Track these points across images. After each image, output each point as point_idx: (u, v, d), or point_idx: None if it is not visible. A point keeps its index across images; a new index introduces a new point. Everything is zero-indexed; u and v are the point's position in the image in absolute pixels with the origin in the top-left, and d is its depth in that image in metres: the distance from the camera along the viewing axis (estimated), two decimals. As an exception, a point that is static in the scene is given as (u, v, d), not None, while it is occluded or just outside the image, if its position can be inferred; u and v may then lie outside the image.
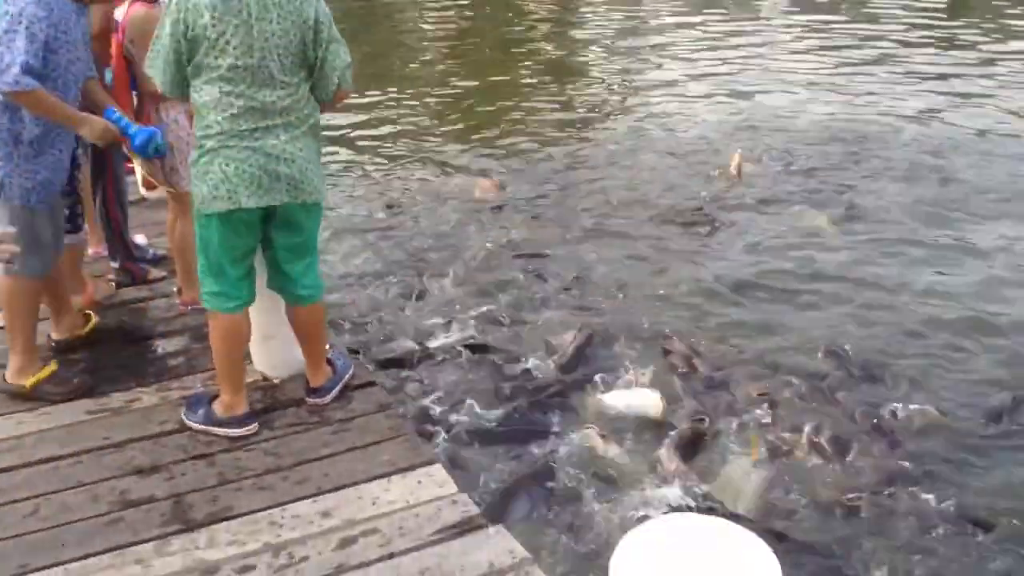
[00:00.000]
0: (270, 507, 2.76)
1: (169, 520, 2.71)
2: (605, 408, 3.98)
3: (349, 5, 15.90)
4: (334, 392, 3.28)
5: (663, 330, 4.65)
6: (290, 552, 2.57)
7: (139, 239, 4.42)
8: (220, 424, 3.10)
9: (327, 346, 3.40)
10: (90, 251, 4.25)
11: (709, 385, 4.20)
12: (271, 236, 3.00)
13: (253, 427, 3.11)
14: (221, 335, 3.06)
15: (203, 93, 2.77)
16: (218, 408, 3.12)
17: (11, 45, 2.87)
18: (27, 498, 2.81)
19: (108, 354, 3.62)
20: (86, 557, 2.57)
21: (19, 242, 3.08)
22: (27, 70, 2.88)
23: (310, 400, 3.26)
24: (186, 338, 3.75)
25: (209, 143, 2.80)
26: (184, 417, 3.17)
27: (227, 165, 2.79)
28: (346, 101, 3.25)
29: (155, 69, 2.82)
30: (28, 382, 3.27)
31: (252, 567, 2.53)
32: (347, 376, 3.36)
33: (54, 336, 3.60)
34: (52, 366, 3.34)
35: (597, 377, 4.21)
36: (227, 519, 2.71)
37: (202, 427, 3.11)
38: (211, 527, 2.68)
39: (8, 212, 3.11)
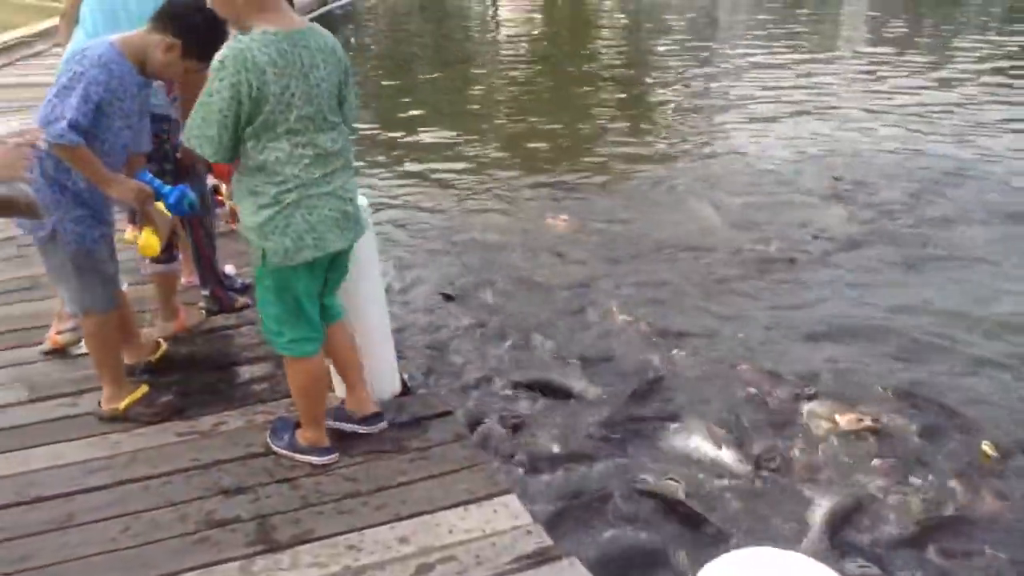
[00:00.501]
0: (350, 531, 2.82)
1: (254, 540, 2.80)
2: (678, 447, 3.98)
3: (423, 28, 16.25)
4: (384, 424, 3.36)
5: (738, 365, 4.64)
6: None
7: (228, 269, 4.58)
8: (304, 452, 3.19)
9: None
10: (183, 280, 4.42)
11: (784, 421, 4.17)
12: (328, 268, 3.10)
13: (335, 457, 3.19)
14: (306, 379, 3.11)
15: (272, 151, 2.75)
16: (301, 439, 3.21)
17: (65, 100, 3.01)
18: (119, 516, 2.92)
19: (197, 379, 3.76)
20: (173, 574, 2.66)
21: (86, 281, 3.25)
22: (74, 126, 2.99)
23: (362, 430, 3.33)
24: (270, 364, 3.86)
25: (289, 197, 2.79)
26: (269, 441, 3.27)
27: (310, 215, 2.82)
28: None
29: (204, 137, 2.73)
30: (121, 405, 3.42)
31: (332, 589, 2.59)
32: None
33: (126, 361, 3.71)
34: (143, 388, 3.49)
35: (670, 415, 4.21)
36: (309, 541, 2.78)
37: (287, 453, 3.21)
38: (294, 549, 2.75)
39: (68, 257, 3.24)
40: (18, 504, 2.99)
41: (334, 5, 19.54)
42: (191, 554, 2.75)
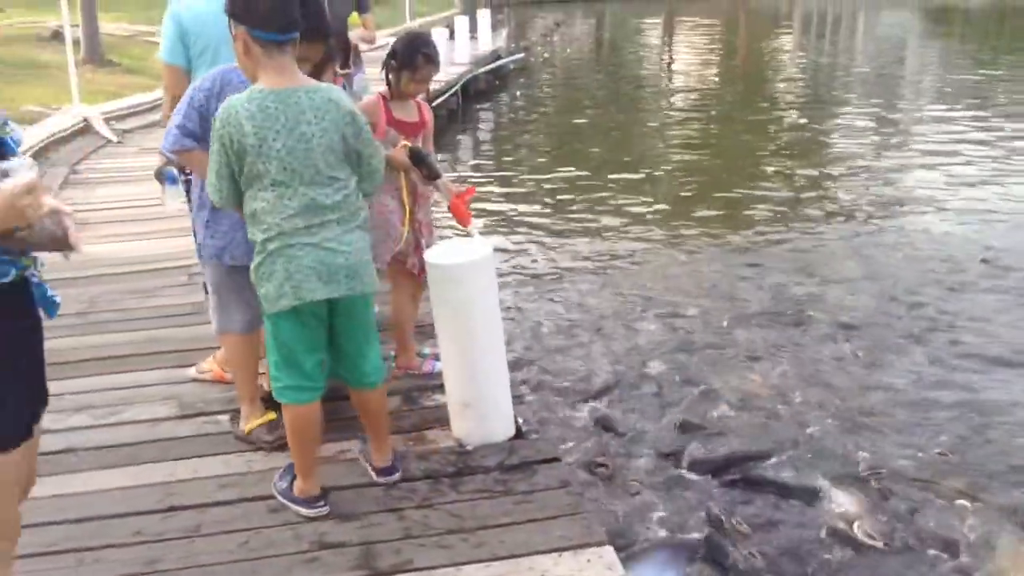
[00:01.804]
0: (447, 565, 2.91)
1: (358, 565, 2.94)
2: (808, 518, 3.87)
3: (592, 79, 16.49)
4: (399, 474, 3.37)
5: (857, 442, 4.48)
6: (459, 610, 2.72)
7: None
8: (293, 501, 3.24)
9: None
10: None
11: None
12: (333, 324, 3.11)
13: (324, 509, 3.20)
14: (298, 426, 3.16)
15: (259, 200, 2.91)
16: (295, 488, 3.26)
17: (179, 111, 3.30)
18: (241, 530, 3.13)
19: (326, 409, 3.97)
20: (282, 589, 2.85)
21: (223, 300, 3.51)
22: (184, 132, 3.25)
23: (380, 480, 3.36)
24: (397, 399, 4.04)
25: (271, 245, 2.92)
26: (273, 483, 3.35)
27: (289, 263, 2.91)
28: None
29: (211, 186, 2.97)
30: (247, 427, 3.67)
31: (424, 620, 2.69)
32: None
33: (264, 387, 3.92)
34: (270, 415, 3.67)
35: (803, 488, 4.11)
36: (407, 571, 2.89)
37: (280, 499, 3.28)
38: (392, 576, 2.88)
39: (209, 272, 3.53)
40: (157, 512, 3.26)
41: (507, 60, 20.17)
42: (300, 572, 2.91)
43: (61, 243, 2.09)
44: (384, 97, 3.91)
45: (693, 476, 4.31)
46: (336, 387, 4.11)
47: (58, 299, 2.21)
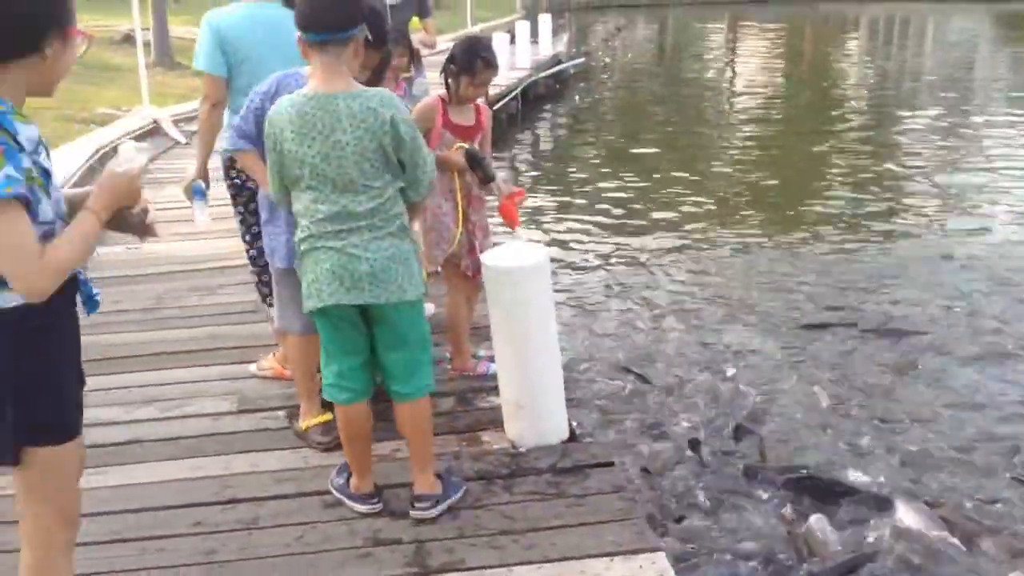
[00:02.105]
0: (499, 566, 2.93)
1: (410, 562, 2.97)
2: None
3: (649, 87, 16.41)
4: (440, 509, 3.19)
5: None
6: (509, 611, 2.73)
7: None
8: (349, 497, 3.27)
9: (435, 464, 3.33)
10: None
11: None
12: (371, 331, 3.10)
13: (377, 507, 3.23)
14: (341, 423, 3.23)
15: (298, 201, 2.98)
16: (351, 484, 3.30)
17: (239, 113, 3.41)
18: (297, 524, 3.19)
19: (382, 410, 4.02)
20: (336, 583, 2.89)
21: (282, 300, 3.57)
22: (240, 133, 3.36)
23: (415, 509, 3.19)
24: (452, 400, 4.07)
25: (303, 246, 2.99)
26: (330, 479, 3.39)
27: (316, 266, 2.96)
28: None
29: (270, 183, 3.08)
30: (304, 425, 3.73)
31: (474, 618, 2.72)
32: (454, 499, 3.25)
33: None
34: (327, 416, 3.70)
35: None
36: (458, 570, 2.92)
37: (337, 495, 3.31)
38: (444, 575, 2.90)
39: (274, 274, 3.61)
40: (216, 503, 3.34)
41: (568, 64, 20.17)
42: (354, 567, 2.96)
43: (147, 229, 2.28)
44: (443, 100, 3.95)
45: (751, 486, 4.26)
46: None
47: (99, 298, 2.29)
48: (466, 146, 3.88)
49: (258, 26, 3.85)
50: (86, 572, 2.92)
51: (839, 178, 10.63)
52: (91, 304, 2.24)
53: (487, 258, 3.56)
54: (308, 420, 3.72)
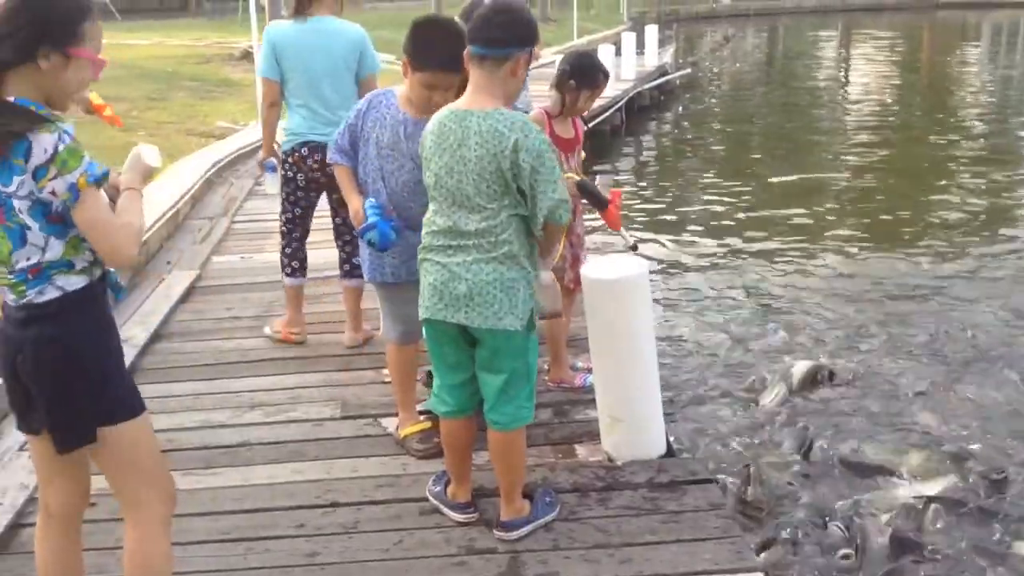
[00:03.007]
0: (592, 580, 2.94)
1: (504, 573, 2.99)
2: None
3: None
4: (522, 531, 3.15)
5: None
6: (601, 625, 2.72)
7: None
8: (446, 504, 3.30)
9: (523, 484, 3.28)
10: None
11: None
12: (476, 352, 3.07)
13: (472, 516, 3.26)
14: (443, 434, 3.28)
15: (429, 208, 3.05)
16: (448, 491, 3.33)
17: (340, 128, 3.59)
18: (395, 529, 3.25)
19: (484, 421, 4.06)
20: (432, 590, 2.94)
21: (383, 311, 3.66)
22: (337, 148, 3.56)
23: (497, 533, 3.17)
24: (549, 412, 4.09)
25: (420, 255, 3.06)
26: (428, 486, 3.43)
27: (424, 277, 3.02)
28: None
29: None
30: (402, 433, 3.80)
31: (566, 631, 2.71)
32: (544, 520, 3.22)
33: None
34: (426, 424, 3.77)
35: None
36: (551, 582, 2.93)
37: (434, 501, 3.35)
38: (537, 586, 2.92)
39: (379, 288, 3.70)
40: (318, 506, 3.43)
41: (674, 75, 19.99)
42: (449, 574, 3.01)
43: None
44: (548, 114, 3.98)
45: (854, 512, 4.12)
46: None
47: (123, 284, 2.50)
48: (576, 178, 3.90)
49: (308, 36, 4.47)
50: (196, 570, 3.06)
51: (955, 192, 10.22)
52: (118, 291, 2.41)
53: (587, 270, 3.56)
54: (406, 428, 3.79)
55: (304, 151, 4.59)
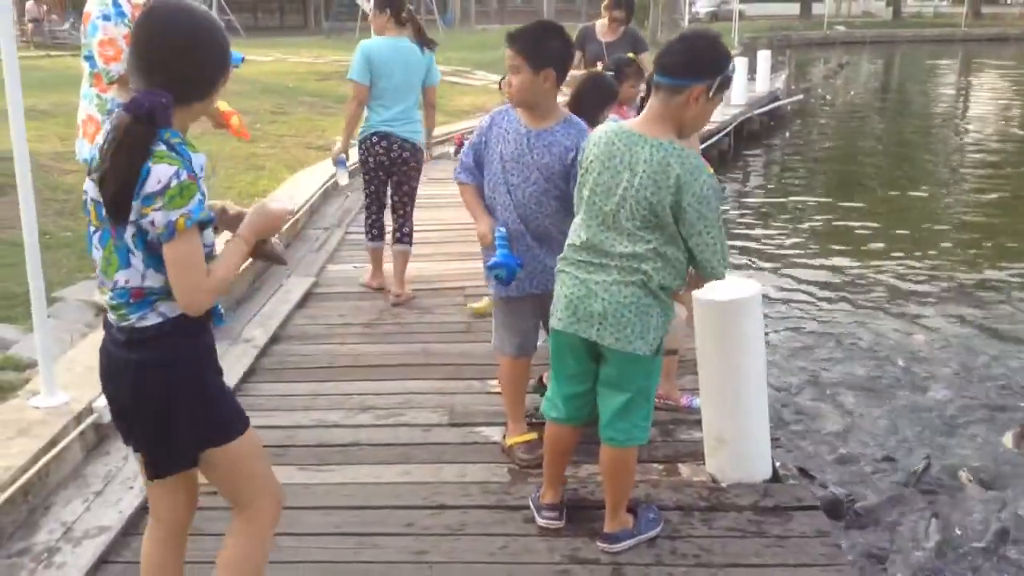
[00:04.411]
0: (694, 597, 2.96)
1: (606, 583, 3.05)
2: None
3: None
4: (625, 544, 3.20)
5: None
6: (703, 642, 2.74)
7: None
8: (535, 505, 3.40)
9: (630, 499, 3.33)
10: None
11: None
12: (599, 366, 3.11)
13: (555, 523, 3.32)
14: (546, 435, 3.35)
15: (575, 220, 3.07)
16: (540, 491, 3.41)
17: (466, 147, 3.72)
18: (501, 534, 3.33)
19: (589, 435, 4.10)
20: (536, 595, 3.01)
21: (497, 323, 3.78)
22: (462, 167, 3.70)
23: (600, 544, 3.22)
24: (653, 430, 4.06)
25: (559, 265, 3.09)
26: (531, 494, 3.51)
27: (560, 287, 3.05)
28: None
29: (575, 201, 3.15)
30: (509, 442, 3.89)
31: (667, 645, 2.74)
32: (647, 536, 3.25)
33: None
34: (531, 435, 3.85)
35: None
36: (654, 596, 2.97)
37: (530, 500, 3.45)
38: (639, 599, 2.95)
39: (497, 300, 3.81)
40: (426, 507, 3.54)
41: (786, 101, 19.71)
42: (553, 582, 3.08)
43: (278, 258, 2.56)
44: None
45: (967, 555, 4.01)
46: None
47: (222, 311, 2.43)
48: None
49: (393, 52, 5.61)
50: (310, 560, 3.20)
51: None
52: (217, 318, 2.37)
53: (700, 292, 3.58)
54: (514, 438, 3.87)
55: (374, 139, 5.70)
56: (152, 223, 2.10)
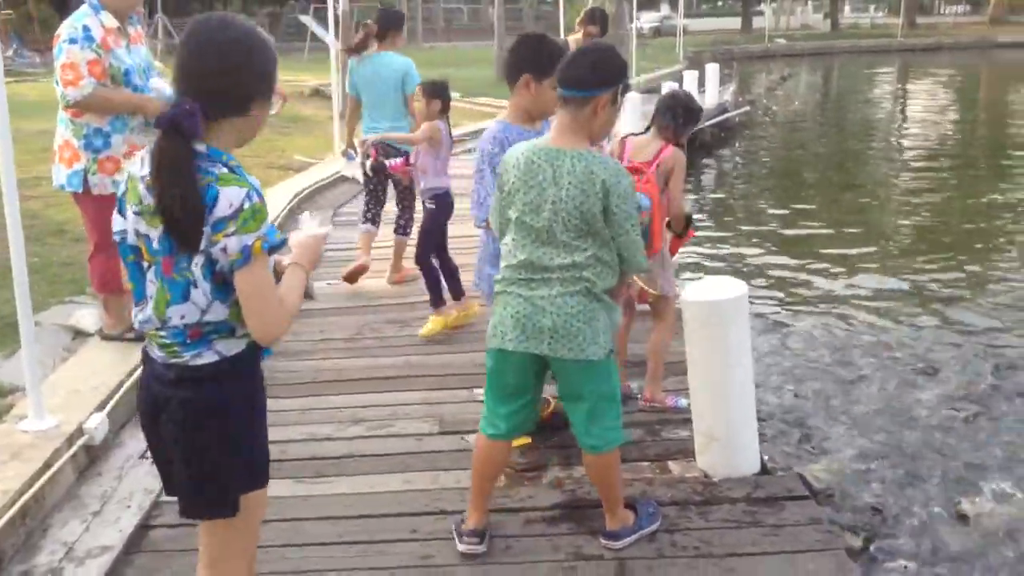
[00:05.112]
0: (699, 586, 3.05)
1: (613, 577, 3.14)
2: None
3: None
4: (628, 540, 3.27)
5: None
6: (712, 628, 2.84)
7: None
8: (458, 531, 3.32)
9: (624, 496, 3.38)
10: None
11: None
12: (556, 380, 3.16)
13: (475, 547, 3.24)
14: (476, 454, 3.32)
15: (505, 240, 3.11)
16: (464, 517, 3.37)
17: (482, 181, 3.68)
18: (503, 536, 3.39)
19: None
20: (543, 592, 3.08)
21: None
22: (479, 204, 3.67)
23: (603, 541, 3.28)
24: (641, 430, 4.21)
25: (497, 287, 3.11)
26: None
27: (503, 308, 3.05)
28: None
29: (492, 220, 3.22)
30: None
31: (677, 632, 2.84)
32: (648, 530, 3.33)
33: None
34: (526, 440, 3.92)
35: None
36: (661, 587, 3.06)
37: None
38: (647, 591, 3.04)
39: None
40: (428, 513, 3.59)
41: (734, 112, 20.11)
42: (562, 578, 3.15)
43: (309, 290, 2.50)
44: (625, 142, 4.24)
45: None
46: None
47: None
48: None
49: (366, 68, 6.44)
50: (316, 568, 3.24)
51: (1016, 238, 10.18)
52: (267, 349, 2.28)
53: (688, 292, 3.70)
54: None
55: (367, 144, 6.31)
56: (224, 250, 1.99)
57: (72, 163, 4.69)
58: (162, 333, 2.14)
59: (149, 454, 2.36)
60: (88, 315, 5.29)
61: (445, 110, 5.66)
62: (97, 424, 4.04)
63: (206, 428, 2.14)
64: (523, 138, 3.56)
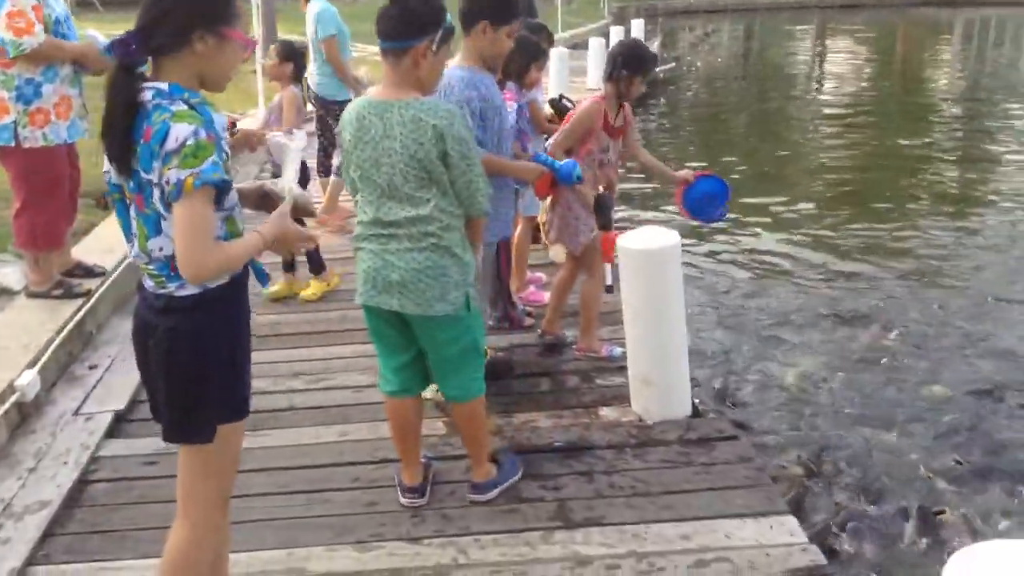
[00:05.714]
0: (637, 523, 3.18)
1: (553, 517, 3.24)
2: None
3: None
4: (493, 493, 3.35)
5: None
6: (650, 561, 2.97)
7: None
8: (399, 485, 3.39)
9: (490, 447, 3.47)
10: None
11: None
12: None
13: (415, 501, 3.32)
14: (388, 414, 3.34)
15: (356, 199, 3.09)
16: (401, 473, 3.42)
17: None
18: (445, 482, 3.49)
19: (517, 384, 4.30)
20: (487, 533, 3.18)
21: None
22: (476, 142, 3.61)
23: (469, 496, 3.35)
24: (576, 378, 4.33)
25: (354, 243, 3.10)
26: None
27: (359, 264, 3.06)
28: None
29: (343, 173, 3.13)
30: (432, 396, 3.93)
31: (617, 567, 2.96)
32: (510, 482, 3.41)
33: None
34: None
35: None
36: (600, 525, 3.18)
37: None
38: (586, 529, 3.16)
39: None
40: (370, 462, 3.65)
41: (660, 69, 20.24)
42: (503, 520, 3.25)
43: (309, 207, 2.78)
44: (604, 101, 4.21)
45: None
46: (504, 361, 4.40)
47: (267, 270, 2.45)
48: (603, 193, 4.09)
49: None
50: (261, 518, 3.27)
51: (931, 185, 10.57)
52: (262, 277, 2.41)
53: (625, 241, 3.78)
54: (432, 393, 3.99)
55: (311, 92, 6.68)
56: (167, 182, 2.04)
57: (1, 116, 4.53)
58: (151, 266, 2.22)
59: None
60: (11, 273, 5.15)
61: (298, 76, 5.67)
62: (29, 381, 3.98)
63: (186, 356, 2.21)
64: (486, 83, 3.56)
